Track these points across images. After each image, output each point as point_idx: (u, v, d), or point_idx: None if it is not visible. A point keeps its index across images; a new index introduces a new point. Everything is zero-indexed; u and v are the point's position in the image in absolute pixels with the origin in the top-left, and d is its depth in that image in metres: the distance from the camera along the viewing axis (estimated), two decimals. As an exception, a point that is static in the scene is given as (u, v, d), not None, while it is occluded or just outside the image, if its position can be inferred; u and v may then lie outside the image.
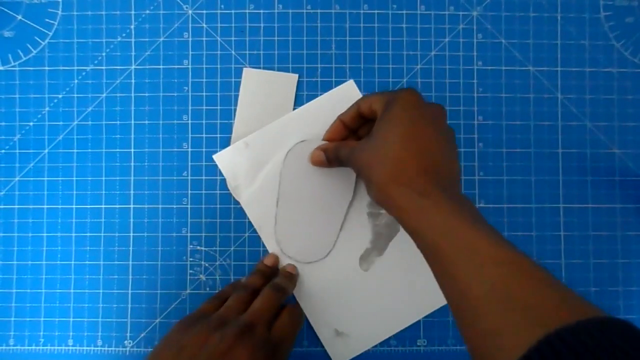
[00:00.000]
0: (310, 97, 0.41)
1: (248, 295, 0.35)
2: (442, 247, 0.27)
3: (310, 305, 0.40)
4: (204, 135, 0.41)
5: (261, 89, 0.41)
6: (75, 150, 0.41)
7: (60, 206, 0.41)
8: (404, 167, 0.29)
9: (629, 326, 0.21)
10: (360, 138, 0.38)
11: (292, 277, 0.39)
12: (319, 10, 0.42)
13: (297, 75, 0.41)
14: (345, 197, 0.40)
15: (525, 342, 0.22)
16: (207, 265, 0.41)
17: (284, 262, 0.40)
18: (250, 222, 0.41)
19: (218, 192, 0.41)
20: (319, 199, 0.39)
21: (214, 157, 0.41)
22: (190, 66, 0.42)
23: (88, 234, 0.41)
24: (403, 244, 0.40)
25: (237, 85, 0.41)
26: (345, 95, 0.41)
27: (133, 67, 0.42)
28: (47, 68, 0.42)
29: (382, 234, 0.40)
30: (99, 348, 0.40)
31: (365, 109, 0.35)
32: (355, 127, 0.37)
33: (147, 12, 0.42)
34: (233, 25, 0.42)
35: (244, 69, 0.42)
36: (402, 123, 0.30)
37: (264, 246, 0.40)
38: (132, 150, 0.41)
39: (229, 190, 0.41)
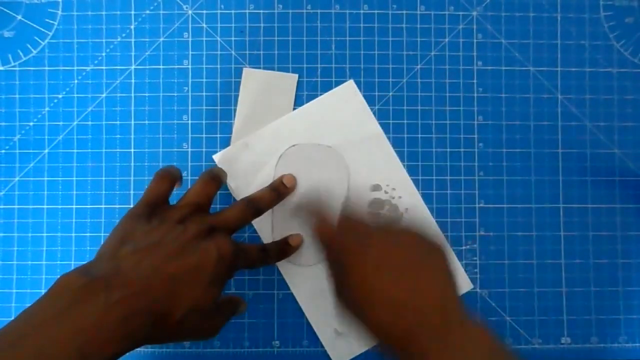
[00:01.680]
0: (310, 97, 0.41)
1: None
2: None
3: (310, 305, 0.40)
4: (204, 135, 0.41)
5: (261, 89, 0.41)
6: (75, 150, 0.41)
7: (60, 206, 0.41)
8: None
9: None
10: None
11: (272, 201, 0.37)
12: (319, 10, 0.42)
13: (297, 75, 0.41)
14: (339, 199, 0.40)
15: None
16: (207, 265, 0.41)
17: (284, 267, 0.40)
18: (250, 222, 0.41)
19: (218, 192, 0.41)
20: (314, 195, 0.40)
21: (214, 157, 0.41)
22: (190, 66, 0.42)
23: (88, 234, 0.41)
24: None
25: (237, 85, 0.41)
26: (345, 95, 0.41)
27: (133, 67, 0.42)
28: (47, 68, 0.42)
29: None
30: (99, 348, 0.40)
31: None
32: None
33: (147, 12, 0.42)
34: (233, 25, 0.42)
35: (244, 69, 0.42)
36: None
37: (264, 246, 0.40)
38: (132, 150, 0.41)
39: (229, 190, 0.41)
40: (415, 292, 0.27)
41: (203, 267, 0.29)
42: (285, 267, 0.40)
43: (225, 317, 0.32)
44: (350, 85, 0.41)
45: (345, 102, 0.41)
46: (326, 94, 0.41)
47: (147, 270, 0.28)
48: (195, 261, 0.29)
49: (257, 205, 0.35)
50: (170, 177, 0.34)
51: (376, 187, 0.41)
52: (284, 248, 0.38)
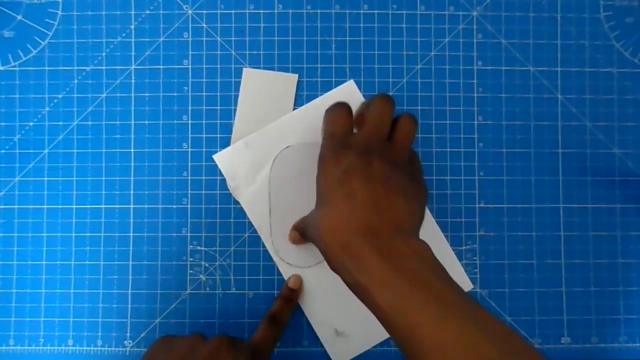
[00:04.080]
0: (310, 97, 0.41)
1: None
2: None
3: (310, 305, 0.40)
4: (204, 135, 0.41)
5: (261, 89, 0.41)
6: (75, 150, 0.41)
7: (60, 206, 0.41)
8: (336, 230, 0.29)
9: None
10: None
11: (290, 309, 0.39)
12: (319, 10, 0.42)
13: (297, 75, 0.41)
14: None
15: None
16: (207, 265, 0.41)
17: (284, 268, 0.40)
18: (250, 222, 0.41)
19: (218, 192, 0.41)
20: (310, 203, 0.36)
21: (214, 157, 0.41)
22: (190, 66, 0.42)
23: (88, 234, 0.41)
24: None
25: (237, 85, 0.41)
26: (345, 96, 0.41)
27: (133, 67, 0.42)
28: (47, 68, 0.42)
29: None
30: (99, 348, 0.40)
31: None
32: None
33: (147, 12, 0.42)
34: (233, 25, 0.42)
35: (244, 69, 0.42)
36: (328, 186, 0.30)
37: (264, 246, 0.40)
38: (132, 150, 0.41)
39: (229, 190, 0.41)
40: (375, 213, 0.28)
41: None
42: (284, 268, 0.40)
43: None
44: (350, 85, 0.41)
45: (345, 102, 0.41)
46: (326, 94, 0.41)
47: None
48: None
49: (279, 319, 0.37)
50: None
51: (376, 187, 0.41)
52: (289, 296, 0.39)
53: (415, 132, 0.32)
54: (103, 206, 0.41)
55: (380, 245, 0.27)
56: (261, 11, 0.42)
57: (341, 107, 0.33)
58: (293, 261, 0.40)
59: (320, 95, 0.41)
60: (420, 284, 0.25)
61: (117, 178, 0.41)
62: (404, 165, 0.31)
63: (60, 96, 0.41)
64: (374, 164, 0.29)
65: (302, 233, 0.37)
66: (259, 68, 0.42)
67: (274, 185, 0.40)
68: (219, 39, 0.42)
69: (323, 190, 0.30)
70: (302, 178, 0.39)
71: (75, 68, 0.42)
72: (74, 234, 0.41)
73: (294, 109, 0.41)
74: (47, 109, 0.41)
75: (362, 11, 0.42)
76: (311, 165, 0.37)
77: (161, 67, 0.42)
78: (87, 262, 0.41)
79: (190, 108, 0.41)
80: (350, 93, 0.41)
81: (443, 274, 0.27)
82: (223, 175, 0.41)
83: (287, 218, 0.39)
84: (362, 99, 0.41)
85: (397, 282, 0.26)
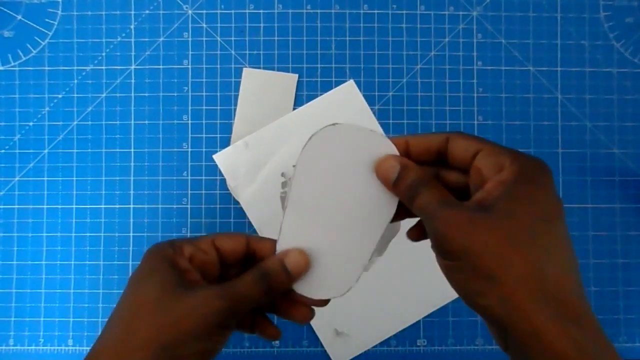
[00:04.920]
0: (310, 97, 0.41)
1: None
2: None
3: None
4: (204, 135, 0.41)
5: (261, 89, 0.41)
6: (75, 150, 0.41)
7: (60, 206, 0.41)
8: (557, 285, 0.21)
9: None
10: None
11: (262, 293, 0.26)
12: (319, 10, 0.42)
13: (297, 75, 0.41)
14: (385, 213, 0.27)
15: None
16: (207, 265, 0.41)
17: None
18: (250, 222, 0.41)
19: (218, 192, 0.41)
20: (348, 211, 0.27)
21: (214, 157, 0.41)
22: (190, 66, 0.42)
23: (88, 234, 0.41)
24: (403, 245, 0.40)
25: (237, 85, 0.41)
26: (345, 96, 0.41)
27: (133, 67, 0.42)
28: (47, 68, 0.42)
29: (383, 234, 0.40)
30: (99, 348, 0.40)
31: (459, 154, 0.24)
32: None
33: (147, 12, 0.42)
34: (233, 25, 0.42)
35: (244, 69, 0.42)
36: (560, 224, 0.22)
37: (264, 246, 0.40)
38: (132, 150, 0.41)
39: (229, 190, 0.41)
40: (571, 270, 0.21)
41: None
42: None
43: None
44: (350, 85, 0.41)
45: (345, 102, 0.41)
46: (326, 94, 0.41)
47: None
48: None
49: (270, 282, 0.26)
50: None
51: (376, 187, 0.40)
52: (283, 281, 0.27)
53: None
54: (103, 206, 0.41)
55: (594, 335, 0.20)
56: (261, 11, 0.42)
57: None
58: (302, 285, 0.28)
59: (320, 95, 0.41)
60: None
61: (117, 178, 0.41)
62: None
63: (60, 96, 0.41)
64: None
65: (407, 193, 0.24)
66: (259, 68, 0.42)
67: (301, 172, 0.28)
68: (219, 39, 0.42)
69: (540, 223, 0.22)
70: (347, 173, 0.27)
71: (75, 68, 0.42)
72: (74, 234, 0.41)
73: (294, 109, 0.41)
74: (47, 109, 0.41)
75: (362, 11, 0.42)
76: (356, 161, 0.27)
77: (161, 67, 0.42)
78: (87, 262, 0.40)
79: (190, 108, 0.41)
80: (350, 93, 0.41)
81: None
82: (223, 175, 0.41)
83: (307, 222, 0.28)
84: (362, 99, 0.41)
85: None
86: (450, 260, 0.22)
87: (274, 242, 0.27)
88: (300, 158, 0.28)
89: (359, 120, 0.41)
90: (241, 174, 0.40)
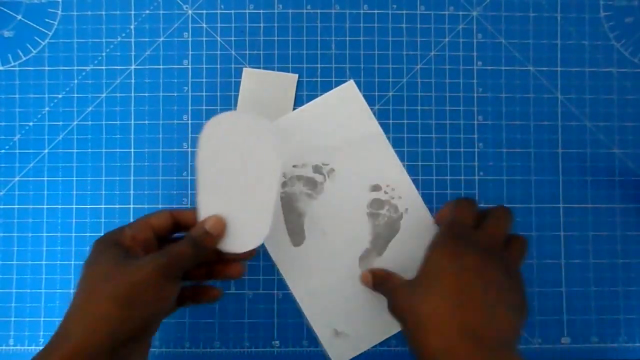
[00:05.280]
0: (310, 97, 0.41)
1: None
2: None
3: (310, 305, 0.40)
4: (204, 135, 0.41)
5: (261, 89, 0.41)
6: (75, 150, 0.41)
7: (60, 206, 0.41)
8: (443, 328, 0.28)
9: None
10: None
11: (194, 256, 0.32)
12: (319, 10, 0.42)
13: (297, 75, 0.41)
14: (275, 172, 0.34)
15: None
16: (207, 265, 0.41)
17: (283, 266, 0.40)
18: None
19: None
20: (246, 177, 0.34)
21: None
22: (190, 66, 0.42)
23: (88, 234, 0.41)
24: (403, 244, 0.40)
25: (237, 85, 0.41)
26: (345, 95, 0.41)
27: (133, 67, 0.42)
28: (47, 68, 0.42)
29: (382, 234, 0.40)
30: (99, 348, 0.40)
31: None
32: None
33: (147, 12, 0.42)
34: (233, 25, 0.42)
35: (244, 69, 0.42)
36: (445, 277, 0.30)
37: (263, 245, 0.40)
38: (132, 150, 0.41)
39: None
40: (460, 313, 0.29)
41: None
42: (284, 267, 0.40)
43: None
44: (350, 85, 0.41)
45: (345, 102, 0.41)
46: (326, 94, 0.41)
47: None
48: None
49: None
50: None
51: (376, 188, 0.41)
52: (203, 241, 0.32)
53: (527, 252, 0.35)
54: (103, 206, 0.41)
55: (484, 355, 0.27)
56: (261, 11, 0.42)
57: (471, 202, 0.35)
58: (227, 245, 0.33)
59: (320, 95, 0.41)
60: None
61: (117, 178, 0.41)
62: (519, 279, 0.32)
63: (60, 96, 0.41)
64: (491, 268, 0.30)
65: (378, 286, 0.37)
66: (259, 68, 0.42)
67: (202, 157, 0.33)
68: (219, 39, 0.42)
69: (433, 276, 0.31)
70: (234, 148, 0.33)
71: (75, 68, 0.42)
72: (74, 234, 0.41)
73: (294, 109, 0.41)
74: (47, 109, 0.41)
75: (362, 11, 0.42)
76: (242, 139, 0.34)
77: (161, 67, 0.42)
78: (87, 262, 0.40)
79: (190, 108, 0.41)
80: (350, 93, 0.41)
81: None
82: (223, 175, 0.41)
83: (215, 195, 0.33)
84: (362, 99, 0.41)
85: None
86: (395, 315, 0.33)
87: (194, 210, 0.33)
88: (199, 143, 0.33)
89: (359, 120, 0.41)
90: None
